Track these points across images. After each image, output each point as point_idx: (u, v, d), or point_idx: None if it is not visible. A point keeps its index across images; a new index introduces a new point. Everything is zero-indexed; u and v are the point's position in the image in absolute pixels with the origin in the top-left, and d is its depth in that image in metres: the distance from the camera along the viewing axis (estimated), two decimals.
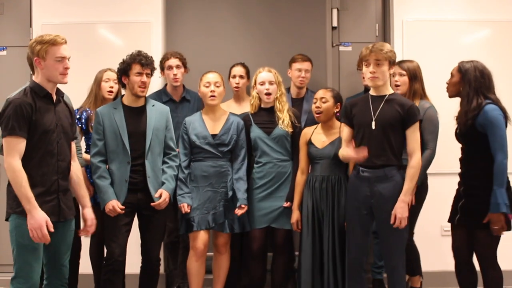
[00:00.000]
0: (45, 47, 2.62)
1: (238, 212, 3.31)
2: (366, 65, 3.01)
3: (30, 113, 2.57)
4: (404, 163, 3.04)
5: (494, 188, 2.85)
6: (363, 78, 3.74)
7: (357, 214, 3.05)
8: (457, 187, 3.14)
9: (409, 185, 2.95)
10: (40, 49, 2.62)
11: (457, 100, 3.12)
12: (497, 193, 2.84)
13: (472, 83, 2.98)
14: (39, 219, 2.51)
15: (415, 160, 2.96)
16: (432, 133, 3.30)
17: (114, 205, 3.09)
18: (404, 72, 3.42)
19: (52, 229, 2.55)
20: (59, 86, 2.75)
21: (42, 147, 2.61)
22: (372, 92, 3.08)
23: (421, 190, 3.31)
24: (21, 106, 2.55)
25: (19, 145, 2.54)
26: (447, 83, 3.16)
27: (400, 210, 2.91)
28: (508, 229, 2.93)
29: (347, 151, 3.06)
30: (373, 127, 2.98)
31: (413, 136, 2.98)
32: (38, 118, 2.59)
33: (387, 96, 3.03)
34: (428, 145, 3.28)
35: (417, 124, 2.99)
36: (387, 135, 2.97)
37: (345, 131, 3.16)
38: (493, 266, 2.98)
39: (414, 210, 3.29)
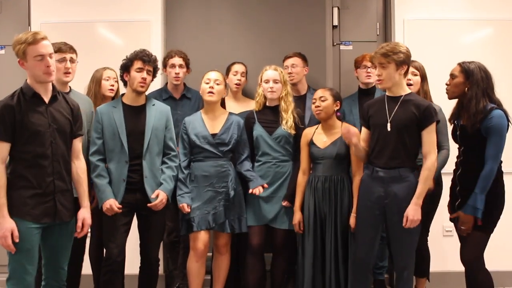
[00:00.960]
0: (23, 48, 2.52)
1: (259, 190, 3.25)
2: (374, 67, 3.00)
3: (12, 115, 2.50)
4: (419, 163, 3.00)
5: (476, 191, 2.86)
6: (367, 76, 3.73)
7: (369, 214, 3.02)
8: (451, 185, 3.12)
9: (423, 188, 2.90)
10: (19, 50, 2.53)
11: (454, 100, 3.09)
12: (478, 198, 2.85)
13: (480, 84, 2.93)
14: (3, 229, 2.47)
15: (429, 162, 2.91)
16: (446, 135, 3.30)
17: (112, 204, 3.06)
18: (417, 72, 3.40)
19: (17, 240, 2.49)
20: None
21: (32, 148, 2.55)
22: (388, 93, 3.04)
23: (436, 190, 3.28)
24: (2, 109, 2.50)
25: (1, 148, 2.50)
26: (447, 84, 3.09)
27: (413, 212, 2.87)
28: (490, 232, 2.94)
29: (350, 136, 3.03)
30: (388, 129, 2.95)
31: (429, 137, 2.93)
32: (24, 119, 2.53)
33: (402, 96, 2.99)
34: (443, 145, 3.28)
35: (433, 125, 2.93)
36: (402, 137, 2.93)
37: (362, 131, 3.16)
38: (482, 269, 2.95)
39: (429, 211, 3.27)
